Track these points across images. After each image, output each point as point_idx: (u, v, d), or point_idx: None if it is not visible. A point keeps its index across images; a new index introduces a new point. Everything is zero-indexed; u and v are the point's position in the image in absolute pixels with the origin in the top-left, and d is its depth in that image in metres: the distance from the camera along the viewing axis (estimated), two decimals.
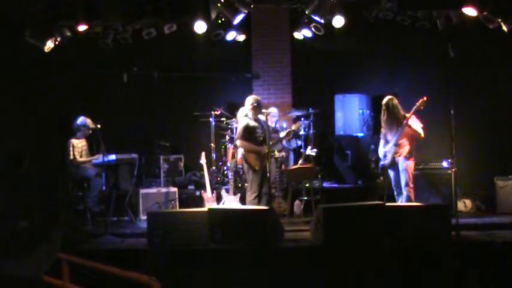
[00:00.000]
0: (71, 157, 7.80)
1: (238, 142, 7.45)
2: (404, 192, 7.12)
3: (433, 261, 5.82)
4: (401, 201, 7.18)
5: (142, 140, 9.29)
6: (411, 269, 5.78)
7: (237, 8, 8.16)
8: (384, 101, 7.25)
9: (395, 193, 7.32)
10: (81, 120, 7.93)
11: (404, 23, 8.37)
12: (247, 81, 10.06)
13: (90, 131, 7.88)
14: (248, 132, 7.37)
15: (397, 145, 7.14)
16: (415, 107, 7.00)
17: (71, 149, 7.81)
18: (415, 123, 7.12)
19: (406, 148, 7.16)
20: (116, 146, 7.80)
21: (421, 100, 6.96)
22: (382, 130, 7.34)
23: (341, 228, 6.07)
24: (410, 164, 7.17)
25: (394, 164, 7.22)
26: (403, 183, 7.13)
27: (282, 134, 8.14)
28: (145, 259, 5.89)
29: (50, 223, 1.54)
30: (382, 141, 7.39)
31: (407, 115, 7.05)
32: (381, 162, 7.40)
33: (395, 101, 7.21)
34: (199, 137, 9.27)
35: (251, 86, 10.03)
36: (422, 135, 7.13)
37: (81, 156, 7.90)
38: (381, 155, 7.39)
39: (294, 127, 8.45)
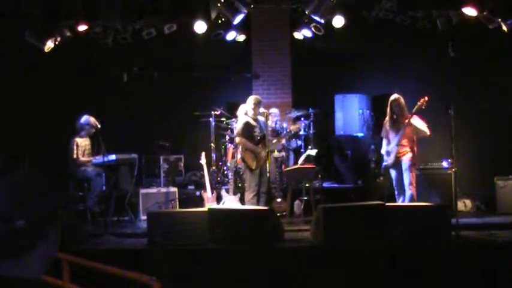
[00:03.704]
0: (75, 156, 7.80)
1: (237, 139, 7.51)
2: (409, 192, 7.12)
3: (433, 261, 5.82)
4: (401, 201, 7.18)
5: (143, 140, 9.29)
6: (411, 269, 5.78)
7: (237, 8, 8.17)
8: (390, 99, 7.24)
9: (395, 193, 7.32)
10: (85, 119, 7.93)
11: (404, 23, 8.37)
12: (247, 81, 10.06)
13: (94, 130, 7.87)
14: (247, 131, 7.41)
15: (399, 145, 7.14)
16: (416, 107, 7.00)
17: (75, 147, 7.82)
18: (419, 122, 7.11)
19: (408, 148, 7.17)
20: (116, 146, 7.80)
21: (422, 100, 6.96)
22: (386, 128, 7.31)
23: (341, 228, 6.07)
24: (413, 164, 7.18)
25: (396, 164, 7.22)
26: (406, 183, 7.13)
27: (281, 139, 8.20)
28: (145, 259, 5.88)
29: (49, 223, 1.54)
30: (384, 141, 7.37)
31: (409, 115, 7.06)
32: (384, 163, 7.39)
33: (402, 101, 7.19)
34: (199, 137, 9.27)
35: (251, 86, 10.03)
36: (428, 132, 7.12)
37: (83, 156, 7.90)
38: (383, 155, 7.38)
39: (292, 128, 8.48)
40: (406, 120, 7.05)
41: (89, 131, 7.93)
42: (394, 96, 7.26)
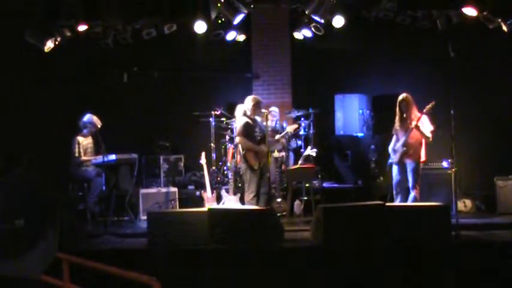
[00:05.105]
0: (76, 154, 7.81)
1: (237, 139, 7.48)
2: (412, 193, 7.14)
3: (433, 261, 5.82)
4: (399, 201, 7.19)
5: (143, 140, 9.29)
6: (411, 269, 5.78)
7: (237, 8, 8.17)
8: (399, 99, 7.27)
9: (394, 192, 7.32)
10: (87, 117, 7.93)
11: (404, 23, 8.36)
12: (247, 81, 10.06)
13: (95, 129, 7.86)
14: (247, 131, 7.40)
15: (404, 146, 7.15)
16: (425, 110, 7.03)
17: (76, 146, 7.82)
18: (426, 126, 7.13)
19: (414, 149, 7.18)
20: (116, 146, 7.80)
21: (431, 104, 6.98)
22: (396, 127, 7.33)
23: (341, 228, 6.08)
24: (419, 165, 7.20)
25: (401, 164, 7.22)
26: (410, 185, 7.15)
27: (277, 137, 8.20)
28: (145, 259, 5.88)
29: (48, 223, 1.54)
30: (394, 138, 7.39)
31: (418, 116, 7.07)
32: (390, 160, 7.41)
33: (410, 100, 7.21)
34: (199, 137, 9.26)
35: (251, 86, 10.03)
36: (431, 139, 7.15)
37: (85, 154, 7.91)
38: (390, 152, 7.39)
39: (288, 129, 8.49)
40: (414, 122, 7.05)
41: (91, 130, 7.93)
42: (402, 95, 7.28)
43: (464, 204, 8.21)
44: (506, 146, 8.61)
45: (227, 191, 7.86)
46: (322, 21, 8.59)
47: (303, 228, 7.00)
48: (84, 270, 4.14)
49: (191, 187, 8.96)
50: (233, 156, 8.51)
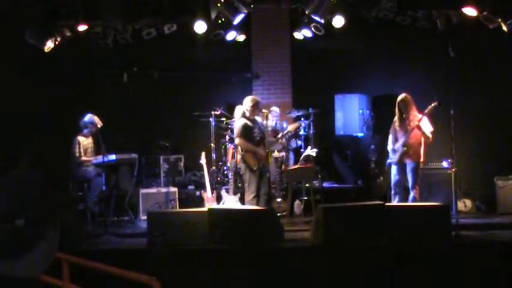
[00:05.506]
0: (77, 154, 7.81)
1: (237, 140, 7.48)
2: (412, 193, 7.15)
3: (433, 261, 5.82)
4: (397, 201, 7.19)
5: (143, 140, 9.29)
6: (411, 269, 5.77)
7: (237, 8, 8.17)
8: (398, 99, 7.27)
9: (392, 192, 7.32)
10: (88, 117, 7.93)
11: (404, 23, 8.36)
12: (247, 81, 10.06)
13: (95, 129, 7.86)
14: (246, 132, 7.39)
15: (404, 145, 7.15)
16: (427, 110, 7.03)
17: (77, 146, 7.83)
18: (426, 126, 7.13)
19: (414, 150, 7.17)
20: (116, 146, 7.79)
21: (434, 104, 6.98)
22: (395, 127, 7.33)
23: (341, 228, 6.08)
24: (418, 165, 7.20)
25: (400, 164, 7.22)
26: (410, 185, 7.15)
27: (278, 136, 8.22)
28: (145, 259, 5.89)
29: (48, 223, 1.54)
30: (391, 137, 7.37)
31: (419, 117, 7.07)
32: (389, 160, 7.40)
33: (409, 100, 7.21)
34: (199, 137, 9.27)
35: (251, 86, 10.03)
36: (431, 139, 7.15)
37: (85, 154, 7.91)
38: (389, 152, 7.38)
39: (290, 128, 8.49)
40: (415, 123, 7.05)
41: (91, 130, 7.93)
42: (402, 96, 7.29)
43: (464, 204, 8.22)
44: (506, 146, 8.62)
45: (227, 191, 7.86)
46: (322, 21, 8.58)
47: (303, 228, 7.00)
48: (84, 270, 4.15)
49: (191, 187, 8.96)
50: (233, 156, 8.51)
